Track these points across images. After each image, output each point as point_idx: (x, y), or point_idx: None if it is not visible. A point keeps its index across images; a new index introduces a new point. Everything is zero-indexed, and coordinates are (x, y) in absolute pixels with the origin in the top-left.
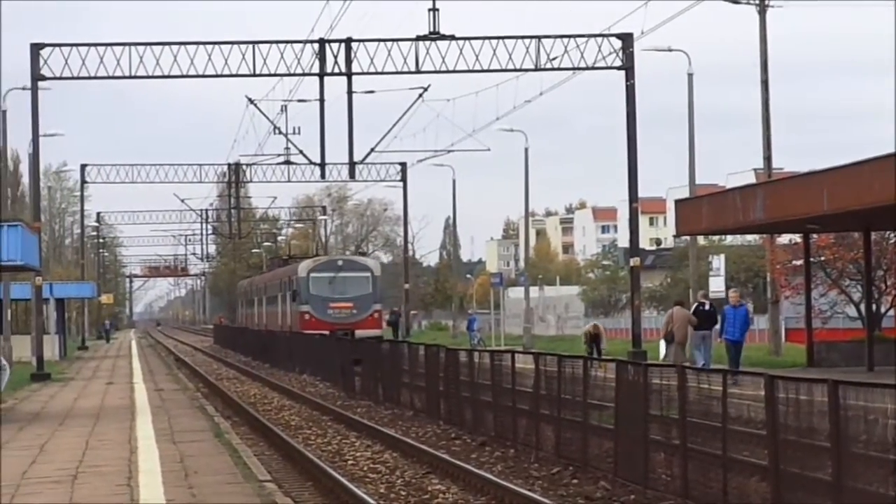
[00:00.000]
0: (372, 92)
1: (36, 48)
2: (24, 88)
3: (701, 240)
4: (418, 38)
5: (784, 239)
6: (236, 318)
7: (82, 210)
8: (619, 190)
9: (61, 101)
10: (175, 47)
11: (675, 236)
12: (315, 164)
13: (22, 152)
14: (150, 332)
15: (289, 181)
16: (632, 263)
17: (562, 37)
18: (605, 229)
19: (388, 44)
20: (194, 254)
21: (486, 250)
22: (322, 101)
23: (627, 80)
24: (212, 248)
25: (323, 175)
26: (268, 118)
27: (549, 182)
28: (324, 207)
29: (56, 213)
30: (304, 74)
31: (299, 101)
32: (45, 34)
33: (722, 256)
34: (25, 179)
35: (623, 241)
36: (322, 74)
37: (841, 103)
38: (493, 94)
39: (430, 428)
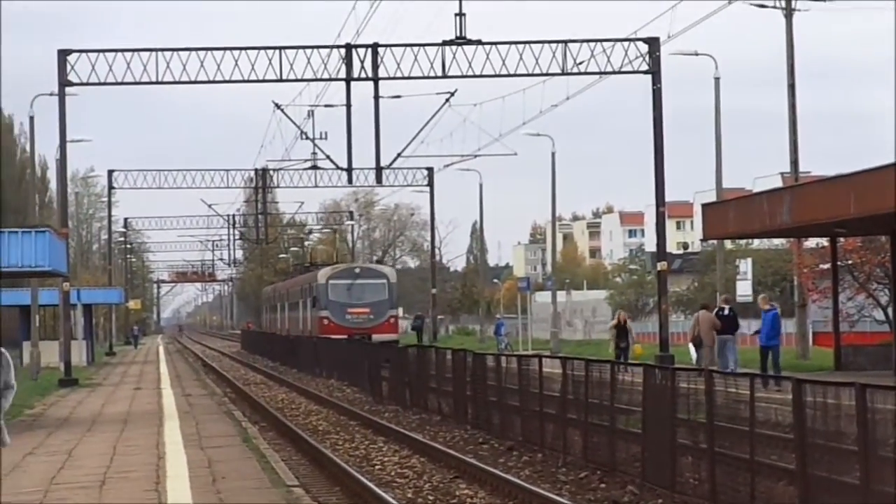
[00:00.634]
0: (398, 97)
1: (63, 54)
2: (51, 94)
3: (728, 244)
4: (445, 43)
5: (811, 243)
6: (261, 322)
7: (109, 215)
8: (646, 194)
9: (88, 106)
10: (202, 53)
11: (702, 240)
12: (342, 169)
13: (49, 158)
14: (177, 337)
15: (316, 186)
16: (659, 267)
17: (588, 41)
18: (632, 233)
19: (415, 49)
20: (221, 259)
21: (513, 255)
22: (349, 106)
23: (654, 84)
24: (239, 254)
25: (350, 180)
26: (295, 123)
27: (576, 186)
28: (351, 212)
29: (83, 218)
30: (330, 79)
31: (326, 106)
32: (72, 40)
33: (749, 260)
34: (53, 185)
35: (650, 245)
36: (349, 79)
37: (868, 105)
38: (520, 98)
39: (457, 432)
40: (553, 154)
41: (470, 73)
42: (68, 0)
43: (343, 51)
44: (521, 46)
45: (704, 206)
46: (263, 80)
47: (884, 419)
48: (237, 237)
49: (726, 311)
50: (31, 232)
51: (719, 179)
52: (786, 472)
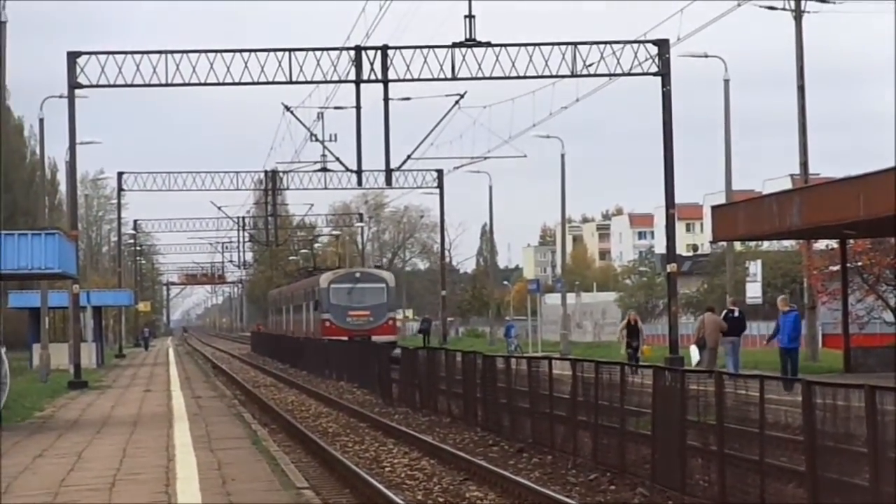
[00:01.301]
0: (408, 99)
1: (72, 56)
2: (60, 97)
3: (737, 246)
4: (454, 45)
5: (821, 244)
6: (267, 324)
7: (119, 218)
8: (655, 196)
9: (98, 108)
10: (211, 55)
11: (711, 242)
12: (352, 171)
13: (59, 160)
14: (187, 339)
15: (325, 188)
16: (668, 270)
17: (598, 43)
18: (641, 235)
19: (425, 51)
20: (231, 261)
21: (522, 257)
22: (358, 108)
23: (664, 86)
24: (248, 256)
25: (360, 182)
26: (304, 125)
27: (586, 188)
28: (360, 214)
29: (93, 220)
30: (340, 81)
31: (336, 108)
32: (81, 42)
33: (758, 262)
34: (62, 188)
35: (660, 247)
36: (358, 81)
37: (879, 107)
38: (530, 100)
39: (467, 435)
40: (563, 156)
41: (480, 75)
42: (78, 0)
43: (353, 53)
44: (530, 48)
45: (714, 208)
46: (273, 82)
47: (893, 421)
48: (247, 239)
49: (736, 314)
50: (41, 234)
51: (729, 181)
52: (796, 473)
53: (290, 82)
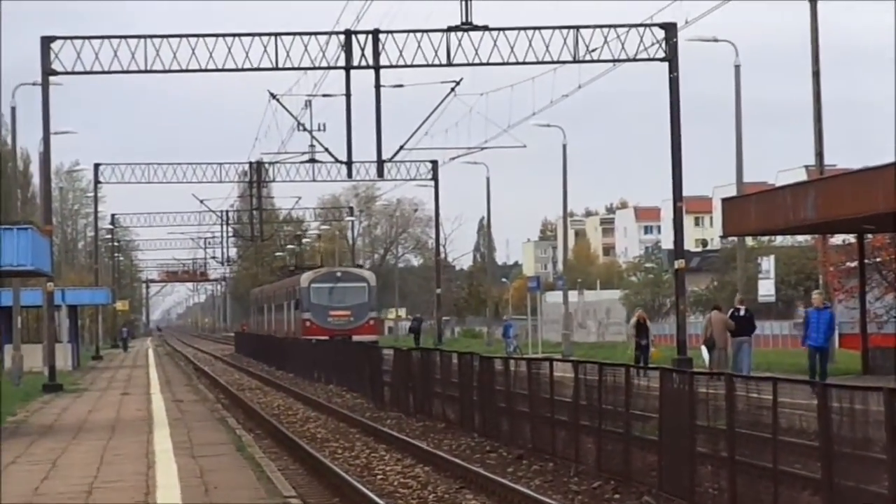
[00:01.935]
0: (401, 86)
1: (46, 41)
2: (34, 84)
3: (749, 241)
4: (450, 29)
5: (837, 239)
6: (250, 324)
7: (96, 212)
8: (662, 189)
9: (73, 97)
10: (193, 40)
11: (721, 237)
12: (341, 162)
13: (32, 151)
14: (166, 339)
15: (314, 180)
16: (676, 266)
17: (602, 27)
18: (647, 230)
19: (418, 35)
20: (214, 258)
21: (522, 252)
22: (348, 95)
23: (671, 72)
24: (233, 252)
25: (350, 174)
26: (291, 114)
27: (589, 180)
28: (351, 208)
29: (68, 215)
30: (329, 68)
31: (324, 95)
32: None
33: (771, 258)
34: (36, 180)
35: (667, 242)
36: (348, 68)
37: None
38: (529, 87)
39: (463, 440)
40: (564, 146)
41: (476, 60)
42: None
43: (342, 37)
44: (530, 32)
45: (724, 200)
46: (258, 69)
47: None
48: (231, 234)
49: (742, 312)
50: (13, 229)
51: (740, 173)
52: (811, 481)
53: (277, 68)
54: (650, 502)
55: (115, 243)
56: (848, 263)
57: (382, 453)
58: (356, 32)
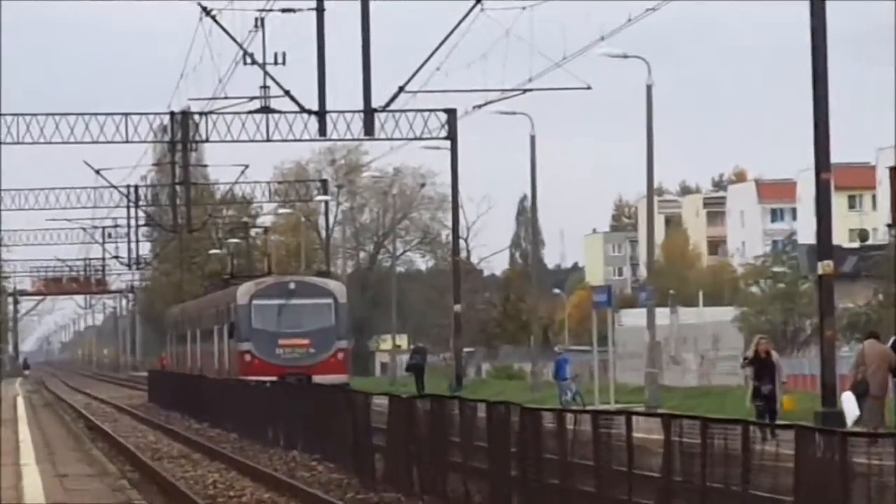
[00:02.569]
0: None
1: None
2: None
3: None
4: None
5: None
6: (168, 357)
7: None
8: (797, 154)
9: None
10: None
11: (890, 226)
12: (309, 112)
13: None
14: (46, 381)
15: (268, 140)
16: (820, 270)
17: None
18: (775, 215)
19: None
20: (117, 257)
21: (584, 250)
22: (321, 10)
23: None
24: (145, 249)
25: (322, 130)
26: (234, 39)
27: (688, 141)
28: (324, 182)
29: None
30: None
31: (284, 11)
32: None
33: None
34: None
35: (806, 234)
36: None
37: None
38: None
39: None
40: (649, 88)
41: None
42: None
43: None
44: None
45: (894, 170)
46: None
47: None
48: (142, 222)
49: None
50: None
51: None
52: None
53: None
54: None
55: None
56: None
57: None
58: None
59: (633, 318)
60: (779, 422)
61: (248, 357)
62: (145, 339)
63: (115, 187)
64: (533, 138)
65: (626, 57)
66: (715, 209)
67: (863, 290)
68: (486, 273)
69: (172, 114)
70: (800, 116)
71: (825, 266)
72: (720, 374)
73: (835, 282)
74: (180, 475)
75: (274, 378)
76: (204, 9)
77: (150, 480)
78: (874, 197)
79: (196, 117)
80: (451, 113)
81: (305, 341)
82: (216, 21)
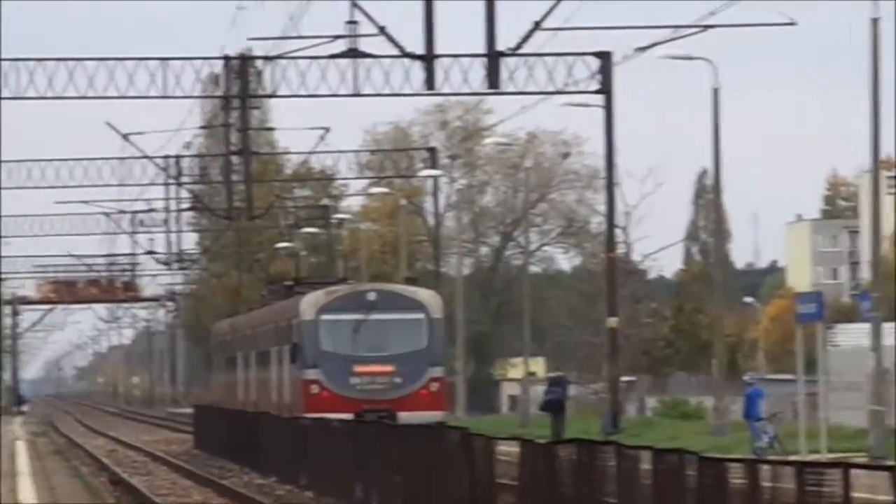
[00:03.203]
0: None
1: None
2: None
3: None
4: None
5: None
6: (213, 387)
7: None
8: None
9: None
10: None
11: None
12: (413, 56)
13: None
14: (56, 420)
15: (356, 94)
16: None
17: None
18: None
19: None
20: (152, 253)
21: (785, 243)
22: None
23: None
24: (189, 241)
25: (430, 81)
26: None
27: None
28: (432, 151)
29: None
30: None
31: None
32: None
33: None
34: None
35: None
36: None
37: None
38: None
39: None
40: (875, 22)
41: None
42: None
43: None
44: None
45: None
46: None
47: None
48: (187, 206)
49: None
50: None
51: None
52: None
53: None
54: None
55: None
56: None
57: None
58: None
59: (853, 336)
60: None
61: (314, 388)
62: (190, 362)
63: (150, 158)
64: (716, 92)
65: None
66: None
67: None
68: (652, 275)
69: (227, 58)
70: None
71: None
72: None
73: None
74: None
75: (348, 415)
76: None
77: None
78: None
79: (259, 63)
80: (604, 58)
81: (389, 368)
82: None
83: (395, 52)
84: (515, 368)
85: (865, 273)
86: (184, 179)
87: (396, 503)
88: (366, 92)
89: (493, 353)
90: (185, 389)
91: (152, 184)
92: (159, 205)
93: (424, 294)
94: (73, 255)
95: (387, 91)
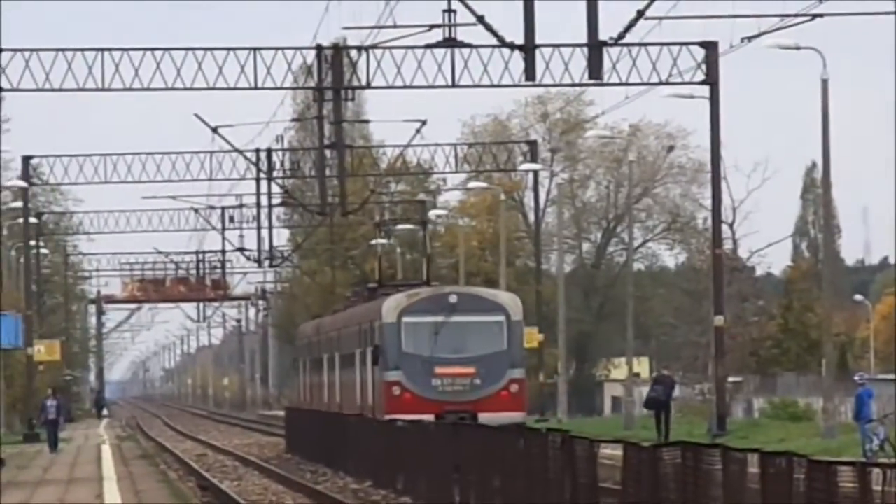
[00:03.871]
0: None
1: None
2: None
3: None
4: None
5: None
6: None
7: None
8: None
9: None
10: None
11: None
12: (512, 46)
13: None
14: (143, 423)
15: (453, 85)
16: None
17: None
18: None
19: None
20: (242, 250)
21: None
22: None
23: None
24: (282, 239)
25: (531, 72)
26: None
27: None
28: (532, 144)
29: None
30: None
31: None
32: None
33: None
34: None
35: None
36: None
37: None
38: None
39: None
40: None
41: None
42: None
43: None
44: None
45: None
46: None
47: None
48: (276, 201)
49: None
50: None
51: None
52: None
53: None
54: None
55: (34, 219)
56: None
57: None
58: None
59: None
60: None
61: (396, 390)
62: (281, 363)
63: (240, 152)
64: (825, 83)
65: None
66: None
67: None
68: (759, 272)
69: (320, 48)
70: None
71: None
72: None
73: None
74: None
75: (429, 416)
76: None
77: None
78: None
79: (353, 53)
80: (709, 47)
81: (470, 370)
82: None
83: (494, 41)
84: (618, 369)
85: None
86: (275, 174)
87: None
88: (464, 83)
89: (595, 353)
90: (277, 391)
91: (243, 178)
92: (250, 200)
93: (504, 296)
94: (160, 252)
95: (485, 82)
